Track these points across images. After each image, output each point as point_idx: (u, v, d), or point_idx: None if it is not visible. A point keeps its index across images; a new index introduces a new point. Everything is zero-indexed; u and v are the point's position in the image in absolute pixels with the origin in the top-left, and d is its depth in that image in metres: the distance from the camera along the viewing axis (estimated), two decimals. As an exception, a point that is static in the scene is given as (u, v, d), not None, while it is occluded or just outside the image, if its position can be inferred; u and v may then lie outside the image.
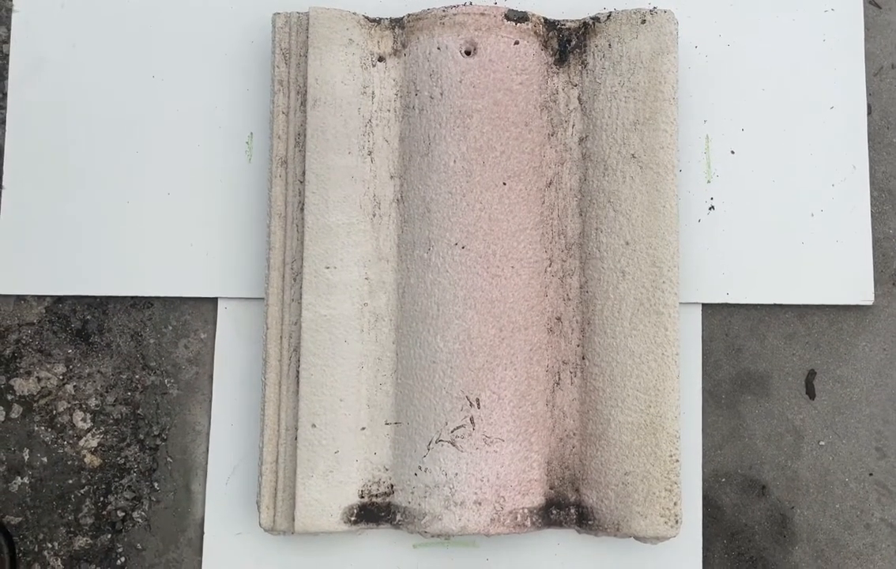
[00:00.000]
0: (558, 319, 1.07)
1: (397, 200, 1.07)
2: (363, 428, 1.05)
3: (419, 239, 1.05)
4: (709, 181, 1.13)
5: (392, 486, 1.05)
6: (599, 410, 1.04)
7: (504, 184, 1.04)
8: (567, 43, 1.09)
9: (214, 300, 1.13)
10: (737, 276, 1.12)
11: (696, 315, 1.12)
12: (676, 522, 1.02)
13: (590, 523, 1.04)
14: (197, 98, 1.14)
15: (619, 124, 1.05)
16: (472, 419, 1.02)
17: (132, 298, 1.13)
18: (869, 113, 1.15)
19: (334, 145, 1.05)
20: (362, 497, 1.05)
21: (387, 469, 1.06)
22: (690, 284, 1.11)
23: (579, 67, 1.08)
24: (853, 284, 1.12)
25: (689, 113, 1.13)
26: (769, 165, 1.13)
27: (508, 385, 1.03)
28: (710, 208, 1.12)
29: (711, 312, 1.13)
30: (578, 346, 1.07)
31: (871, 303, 1.12)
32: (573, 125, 1.08)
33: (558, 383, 1.07)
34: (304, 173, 1.06)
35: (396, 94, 1.08)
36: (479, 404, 1.02)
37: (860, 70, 1.14)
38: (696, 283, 1.12)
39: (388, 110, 1.08)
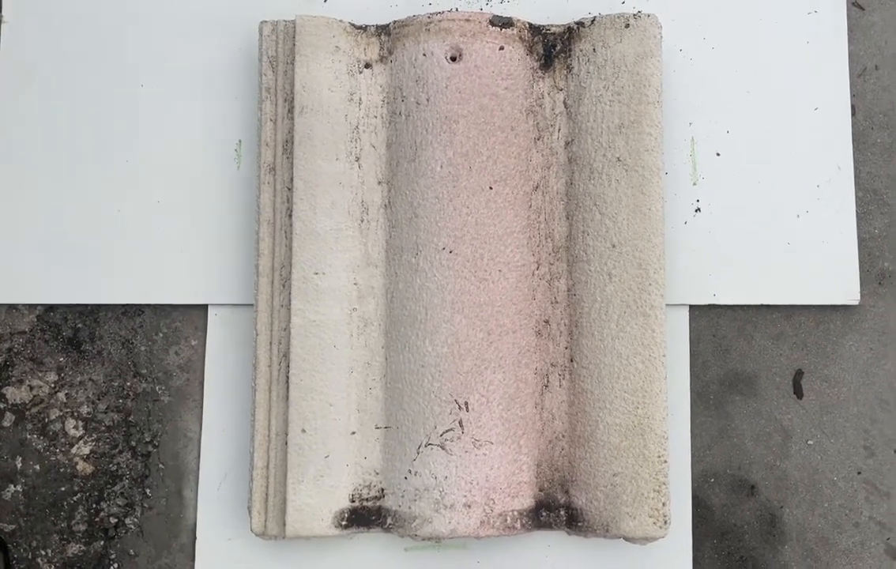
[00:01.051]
0: (546, 321, 1.08)
1: (385, 205, 1.08)
2: (353, 433, 1.06)
3: (407, 244, 1.06)
4: (695, 183, 1.13)
5: (382, 490, 1.06)
6: (588, 411, 1.05)
7: (490, 188, 1.05)
8: (552, 48, 1.09)
9: (204, 307, 1.13)
10: (723, 277, 1.12)
11: (684, 317, 1.13)
12: (665, 522, 1.02)
13: (579, 524, 1.04)
14: (185, 107, 1.15)
15: (604, 128, 1.06)
16: (461, 423, 1.03)
17: (123, 305, 1.14)
18: (853, 114, 1.15)
19: (322, 152, 1.06)
20: (353, 501, 1.05)
21: (377, 473, 1.06)
22: (678, 286, 1.12)
23: (564, 72, 1.09)
24: (839, 284, 1.12)
25: (675, 116, 1.14)
26: (755, 166, 1.13)
27: (497, 388, 1.04)
28: (696, 210, 1.13)
29: (699, 313, 1.14)
30: (566, 348, 1.07)
31: (857, 302, 1.12)
32: (559, 129, 1.09)
33: (547, 386, 1.07)
34: (292, 180, 1.06)
35: (383, 101, 1.09)
36: (467, 408, 1.03)
37: (844, 71, 1.15)
38: (683, 285, 1.12)
39: (375, 116, 1.08)
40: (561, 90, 1.09)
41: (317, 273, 1.05)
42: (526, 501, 1.04)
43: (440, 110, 1.05)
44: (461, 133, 1.05)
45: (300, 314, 1.05)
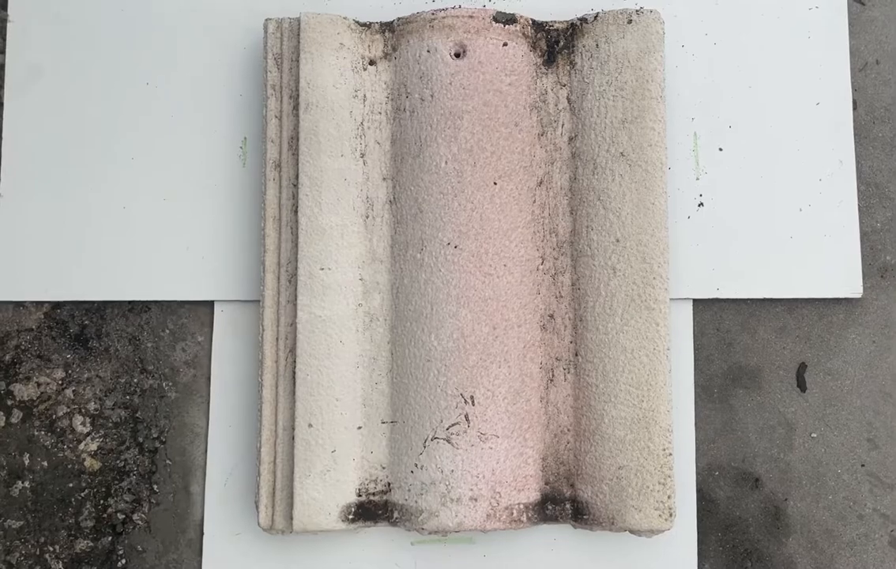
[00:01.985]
0: (551, 316, 1.08)
1: (390, 201, 1.09)
2: (359, 427, 1.06)
3: (412, 239, 1.06)
4: (697, 178, 1.14)
5: (389, 484, 1.06)
6: (593, 405, 1.05)
7: (495, 184, 1.06)
8: (555, 44, 1.10)
9: (211, 304, 1.14)
10: (727, 271, 1.13)
11: (688, 311, 1.14)
12: (671, 515, 1.03)
13: (585, 517, 1.05)
14: (191, 104, 1.15)
15: (607, 123, 1.07)
16: (466, 416, 1.03)
17: (129, 302, 1.15)
18: (854, 108, 1.16)
19: (327, 148, 1.07)
20: (360, 496, 1.06)
21: (383, 467, 1.07)
22: (681, 280, 1.12)
23: (567, 68, 1.10)
24: (842, 278, 1.13)
25: (677, 111, 1.14)
26: (757, 161, 1.14)
27: (502, 382, 1.04)
28: (699, 205, 1.14)
29: (703, 307, 1.14)
30: (571, 342, 1.08)
31: (859, 295, 1.13)
32: (562, 125, 1.09)
33: (552, 380, 1.08)
34: (297, 176, 1.07)
35: (387, 97, 1.09)
36: (473, 402, 1.04)
37: (845, 66, 1.15)
38: (686, 279, 1.13)
39: (380, 113, 1.09)
40: (564, 86, 1.10)
41: (322, 269, 1.06)
42: (532, 494, 1.05)
43: (444, 106, 1.05)
44: (465, 129, 1.05)
45: (306, 310, 1.05)
